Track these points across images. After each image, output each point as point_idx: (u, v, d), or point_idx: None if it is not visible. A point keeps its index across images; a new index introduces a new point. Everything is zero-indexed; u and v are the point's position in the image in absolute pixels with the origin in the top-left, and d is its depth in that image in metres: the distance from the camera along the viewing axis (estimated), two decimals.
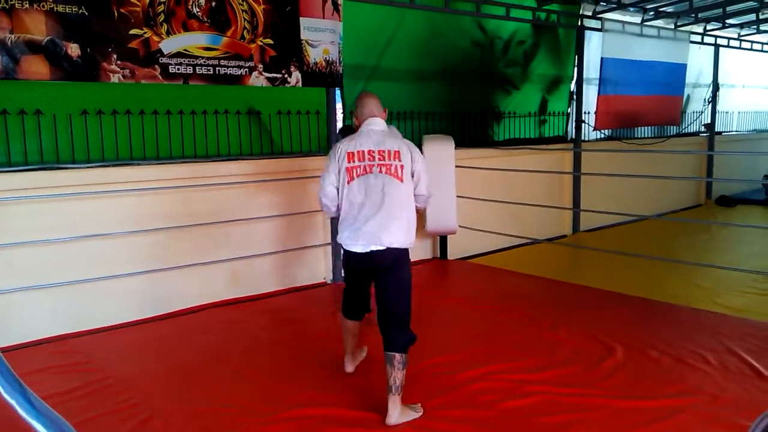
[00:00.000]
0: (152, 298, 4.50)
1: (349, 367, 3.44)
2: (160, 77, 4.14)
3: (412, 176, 3.00)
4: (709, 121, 9.78)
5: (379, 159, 2.94)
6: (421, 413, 2.91)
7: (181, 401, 3.12)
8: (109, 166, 4.30)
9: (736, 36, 9.57)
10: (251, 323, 4.35)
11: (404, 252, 2.96)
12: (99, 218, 4.23)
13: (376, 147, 2.97)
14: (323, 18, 4.84)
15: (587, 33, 7.59)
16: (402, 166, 2.94)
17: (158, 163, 4.50)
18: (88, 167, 4.21)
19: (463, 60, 6.61)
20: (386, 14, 5.73)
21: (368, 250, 2.90)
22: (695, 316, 4.32)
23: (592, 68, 7.66)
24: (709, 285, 5.19)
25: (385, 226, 2.87)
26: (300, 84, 4.79)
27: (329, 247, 5.40)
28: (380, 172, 2.93)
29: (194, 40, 4.26)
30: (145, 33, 4.06)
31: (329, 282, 5.42)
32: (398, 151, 2.96)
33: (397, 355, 2.86)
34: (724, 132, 10.57)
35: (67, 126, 4.19)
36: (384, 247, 2.88)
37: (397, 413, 2.83)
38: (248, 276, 4.99)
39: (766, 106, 11.67)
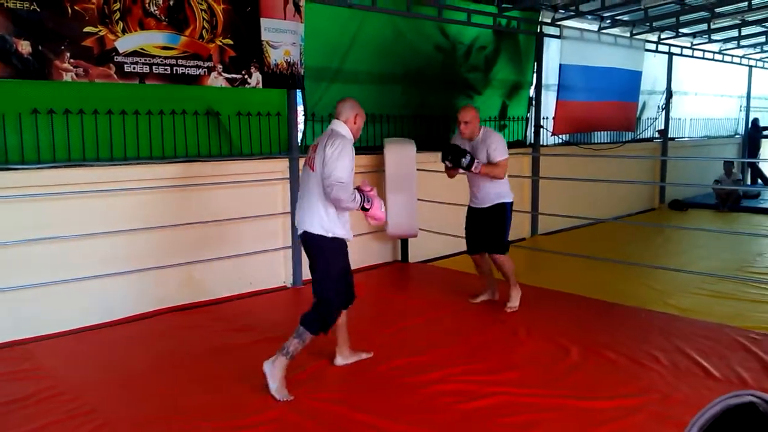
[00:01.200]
0: (104, 303, 4.37)
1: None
2: (115, 76, 4.03)
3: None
4: (662, 128, 10.07)
5: (312, 153, 3.31)
6: (286, 398, 3.09)
7: (135, 408, 3.05)
8: (60, 167, 4.17)
9: (688, 45, 9.88)
10: (208, 328, 4.27)
11: (321, 238, 3.22)
12: (48, 221, 4.10)
13: (314, 143, 3.36)
14: (284, 19, 4.80)
15: (546, 40, 7.72)
16: (315, 158, 3.23)
17: (112, 165, 4.39)
18: (38, 168, 4.07)
19: (426, 64, 6.65)
20: (348, 17, 5.72)
21: (299, 232, 3.35)
22: (648, 317, 4.43)
23: (551, 74, 7.80)
24: (661, 286, 5.33)
25: (301, 213, 3.30)
26: (260, 85, 4.74)
27: (289, 251, 5.35)
28: (305, 164, 3.35)
29: (151, 39, 4.17)
30: (99, 31, 3.95)
31: (289, 285, 5.37)
32: (317, 145, 3.28)
33: (299, 326, 3.22)
34: (677, 138, 10.89)
35: (16, 125, 4.05)
36: (301, 231, 3.30)
37: (270, 365, 3.15)
38: (205, 280, 4.90)
39: (717, 114, 12.07)
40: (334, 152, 3.15)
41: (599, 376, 3.40)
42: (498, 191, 4.39)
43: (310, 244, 3.29)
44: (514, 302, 4.54)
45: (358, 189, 3.27)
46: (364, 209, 3.26)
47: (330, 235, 3.23)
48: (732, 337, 3.94)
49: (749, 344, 3.79)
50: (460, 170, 4.32)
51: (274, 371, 3.15)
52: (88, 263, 4.28)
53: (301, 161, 5.28)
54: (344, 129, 3.34)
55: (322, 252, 3.26)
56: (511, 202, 4.50)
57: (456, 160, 4.18)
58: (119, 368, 3.58)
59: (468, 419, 2.91)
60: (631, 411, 2.95)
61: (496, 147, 4.27)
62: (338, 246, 3.28)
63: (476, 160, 4.17)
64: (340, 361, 3.58)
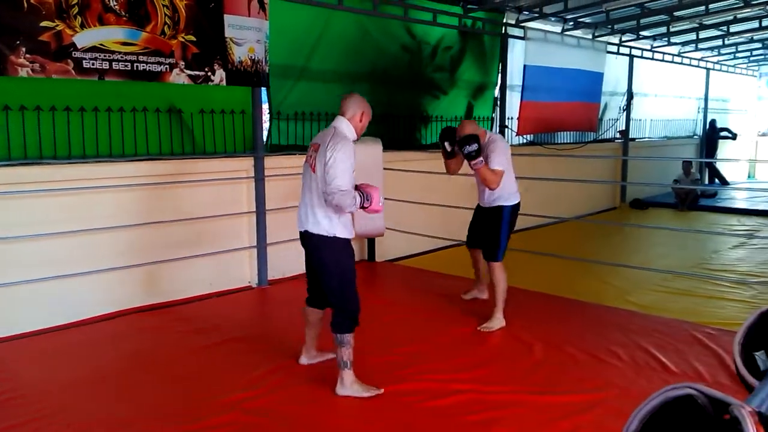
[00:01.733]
0: (64, 304, 4.26)
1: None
2: (73, 72, 3.94)
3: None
4: (623, 128, 10.28)
5: (312, 152, 3.17)
6: (372, 393, 3.11)
7: (101, 410, 3.00)
8: (16, 165, 4.05)
9: (649, 47, 10.11)
10: (173, 329, 4.20)
11: (322, 238, 3.13)
12: (5, 220, 3.98)
13: (316, 141, 3.21)
14: (249, 16, 4.75)
15: (511, 41, 7.81)
16: (316, 159, 3.12)
17: (71, 163, 4.29)
18: None
19: (392, 63, 6.66)
20: (314, 15, 5.69)
21: (300, 230, 3.25)
22: (609, 314, 4.52)
23: (515, 75, 7.90)
24: (621, 284, 5.45)
25: (304, 212, 3.21)
26: (224, 82, 4.68)
27: (255, 250, 5.30)
28: (306, 162, 3.23)
29: (111, 35, 4.08)
30: (57, 26, 3.85)
31: (254, 285, 5.32)
32: (318, 145, 3.14)
33: (335, 335, 3.13)
34: (638, 139, 11.14)
35: None
36: (303, 229, 3.21)
37: (340, 386, 3.12)
38: (169, 281, 4.82)
39: (676, 115, 12.38)
40: (335, 157, 2.99)
41: (561, 372, 3.46)
42: (498, 194, 4.21)
43: (310, 243, 3.20)
44: (491, 324, 4.18)
45: (357, 187, 3.15)
46: (363, 208, 3.15)
47: (331, 235, 3.12)
48: (689, 332, 4.05)
49: (705, 339, 3.90)
50: (468, 162, 4.01)
51: (346, 386, 3.13)
52: (48, 263, 4.16)
53: (267, 160, 5.28)
54: (348, 128, 3.19)
55: (324, 252, 3.16)
56: (512, 206, 4.27)
57: (462, 144, 3.93)
58: (85, 370, 3.51)
59: (432, 417, 2.93)
60: (591, 405, 3.01)
61: (496, 154, 4.02)
62: (342, 246, 3.16)
63: (481, 156, 3.94)
64: (304, 360, 3.56)
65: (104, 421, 2.89)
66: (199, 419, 2.88)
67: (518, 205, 4.35)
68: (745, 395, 0.75)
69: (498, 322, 4.19)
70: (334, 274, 3.16)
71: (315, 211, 3.12)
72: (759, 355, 0.81)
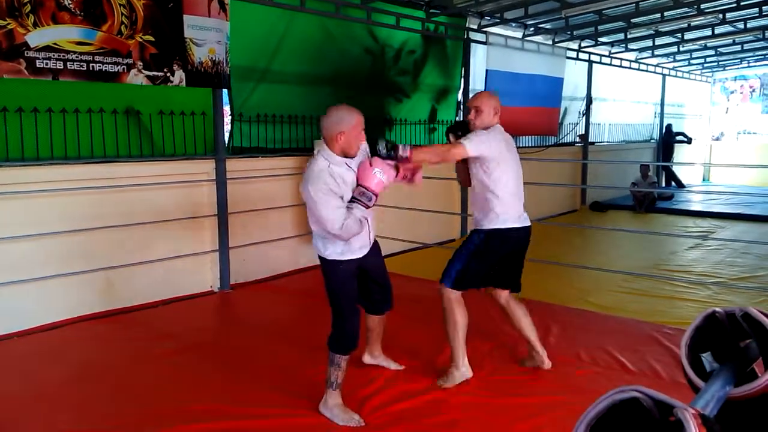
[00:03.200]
0: (15, 311, 4.11)
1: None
2: (25, 72, 3.82)
3: None
4: (583, 132, 10.48)
5: None
6: (352, 424, 2.89)
7: (49, 422, 2.90)
8: None
9: (607, 53, 10.33)
10: (128, 337, 4.10)
11: (323, 260, 2.98)
12: None
13: None
14: (209, 16, 4.69)
15: (473, 45, 7.89)
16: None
17: (24, 165, 4.15)
18: None
19: (355, 66, 6.65)
20: (276, 17, 5.64)
21: None
22: (570, 315, 4.59)
23: (478, 79, 7.98)
24: (582, 285, 5.53)
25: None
26: (184, 83, 4.60)
27: (217, 254, 5.22)
28: None
29: (65, 34, 3.97)
30: (8, 24, 3.73)
31: (216, 290, 5.24)
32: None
33: (328, 351, 3.01)
34: (597, 142, 11.36)
35: None
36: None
37: (323, 405, 2.99)
38: (126, 286, 4.70)
39: (634, 119, 12.68)
40: (312, 200, 2.74)
41: (522, 374, 3.49)
42: (481, 215, 3.35)
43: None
44: (446, 381, 3.31)
45: (357, 185, 2.85)
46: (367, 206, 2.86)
47: (324, 255, 2.95)
48: (647, 332, 4.13)
49: (663, 339, 3.99)
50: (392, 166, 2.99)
51: (327, 407, 2.97)
52: None
53: (229, 162, 5.21)
54: (326, 152, 2.86)
55: (325, 272, 3.01)
56: (491, 231, 3.29)
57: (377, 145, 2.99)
58: (33, 380, 3.39)
59: (396, 420, 2.93)
60: (551, 407, 3.04)
61: (474, 135, 3.25)
62: (333, 267, 2.95)
63: (402, 146, 3.00)
64: (367, 359, 3.55)
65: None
66: (153, 428, 2.81)
67: (510, 231, 3.28)
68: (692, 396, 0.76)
69: (456, 376, 3.31)
70: (329, 291, 3.01)
71: (312, 232, 2.96)
72: (705, 357, 0.82)
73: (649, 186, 10.49)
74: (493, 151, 3.23)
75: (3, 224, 4.04)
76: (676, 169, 12.96)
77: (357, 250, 2.97)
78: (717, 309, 0.85)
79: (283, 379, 3.41)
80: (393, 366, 3.53)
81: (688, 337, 0.84)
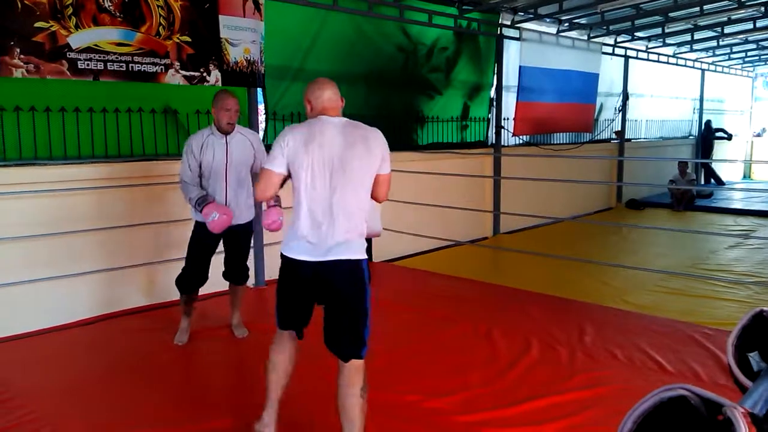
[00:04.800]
0: (56, 306, 4.24)
1: None
2: (68, 73, 3.92)
3: None
4: (619, 129, 10.30)
5: None
6: None
7: (85, 415, 2.97)
8: (11, 166, 4.05)
9: (644, 48, 10.13)
10: (166, 331, 4.18)
11: None
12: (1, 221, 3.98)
13: None
14: (244, 17, 4.74)
15: (506, 42, 7.82)
16: None
17: (66, 164, 4.28)
18: None
19: (388, 64, 6.65)
20: (310, 16, 5.69)
21: None
22: (606, 314, 4.52)
23: (511, 76, 7.90)
24: (618, 284, 5.45)
25: None
26: (220, 83, 4.67)
27: (252, 251, 5.27)
28: None
29: (106, 35, 4.07)
30: (51, 26, 3.84)
31: (252, 286, 5.30)
32: None
33: None
34: (633, 139, 11.15)
35: None
36: None
37: None
38: (165, 281, 4.79)
39: (672, 116, 12.41)
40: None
41: (557, 371, 3.46)
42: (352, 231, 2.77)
43: None
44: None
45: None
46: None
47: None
48: (686, 332, 4.05)
49: (702, 339, 3.90)
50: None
51: None
52: (37, 265, 4.15)
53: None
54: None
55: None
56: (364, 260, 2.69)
57: None
58: (70, 373, 3.48)
59: (428, 416, 2.93)
60: (588, 405, 3.00)
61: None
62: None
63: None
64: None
65: (90, 426, 2.86)
66: (189, 422, 2.87)
67: (291, 264, 2.52)
68: (739, 396, 0.75)
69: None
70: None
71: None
72: (752, 356, 0.81)
73: (688, 183, 10.26)
74: (289, 150, 2.66)
75: (47, 221, 4.16)
76: (715, 166, 12.65)
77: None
78: (764, 308, 0.84)
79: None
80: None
81: (735, 337, 0.83)
